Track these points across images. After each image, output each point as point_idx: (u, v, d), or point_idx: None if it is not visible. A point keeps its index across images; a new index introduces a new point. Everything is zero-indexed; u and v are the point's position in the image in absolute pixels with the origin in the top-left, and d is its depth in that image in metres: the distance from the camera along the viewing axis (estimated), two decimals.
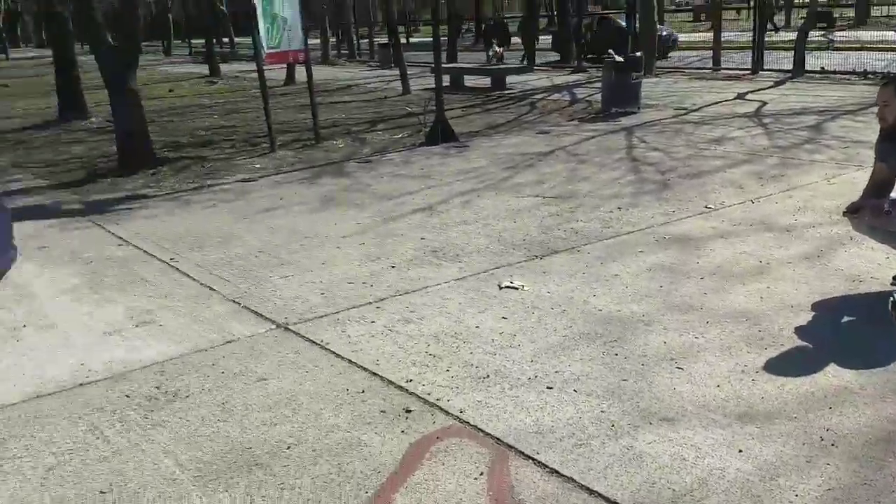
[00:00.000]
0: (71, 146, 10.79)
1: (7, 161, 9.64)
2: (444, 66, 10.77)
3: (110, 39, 8.77)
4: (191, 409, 3.22)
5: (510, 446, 2.78)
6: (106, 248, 5.69)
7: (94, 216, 6.68)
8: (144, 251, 5.56)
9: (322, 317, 4.17)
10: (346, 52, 30.89)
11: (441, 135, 9.59)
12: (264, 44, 9.36)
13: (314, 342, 3.83)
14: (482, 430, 2.90)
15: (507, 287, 4.46)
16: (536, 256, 5.01)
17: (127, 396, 3.36)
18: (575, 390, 3.18)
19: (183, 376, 3.54)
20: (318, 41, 26.86)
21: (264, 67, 9.61)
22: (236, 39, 36.70)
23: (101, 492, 2.65)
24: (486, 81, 16.31)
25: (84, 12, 8.79)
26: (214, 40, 25.70)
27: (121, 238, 5.93)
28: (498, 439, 2.83)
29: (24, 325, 4.22)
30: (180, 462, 2.81)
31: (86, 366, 3.69)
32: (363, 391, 3.29)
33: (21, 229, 5.24)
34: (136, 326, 4.16)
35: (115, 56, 8.63)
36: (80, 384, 3.50)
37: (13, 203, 5.63)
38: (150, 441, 2.97)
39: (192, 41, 36.63)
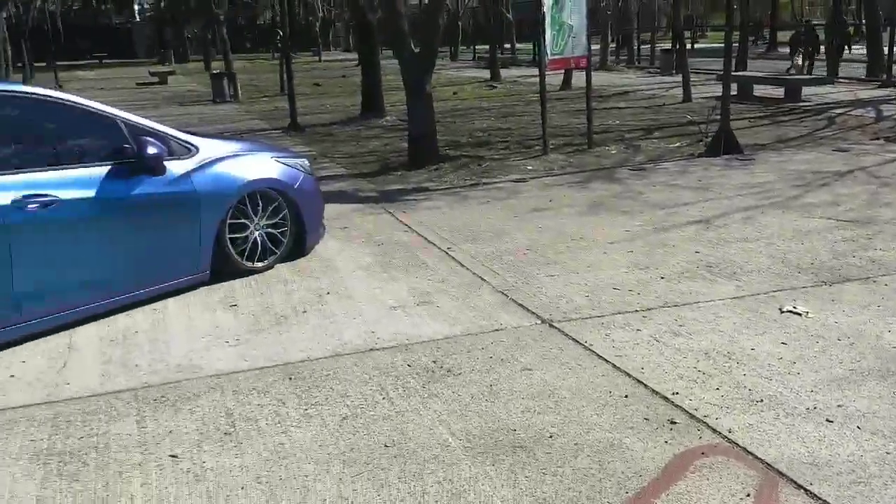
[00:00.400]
0: (369, 141, 11.98)
1: (317, 151, 10.96)
2: (732, 73, 10.25)
3: (412, 46, 9.59)
4: (462, 385, 3.48)
5: (781, 473, 2.65)
6: (394, 233, 6.28)
7: (386, 204, 7.38)
8: (426, 238, 6.04)
9: (586, 318, 4.24)
10: (626, 57, 30.56)
11: (724, 145, 9.17)
12: (548, 50, 9.63)
13: (578, 342, 3.92)
14: (751, 453, 2.79)
15: (790, 312, 4.19)
16: (825, 283, 4.64)
17: (408, 366, 3.72)
18: (858, 427, 2.93)
19: (455, 355, 3.82)
20: (597, 47, 26.92)
21: (545, 73, 9.89)
22: (517, 46, 37.97)
23: (386, 445, 2.98)
24: (778, 92, 15.22)
25: (392, 22, 9.71)
26: (497, 46, 26.85)
27: (406, 225, 6.49)
28: (768, 464, 2.71)
29: (328, 293, 4.82)
30: (452, 431, 3.06)
31: (375, 334, 4.13)
32: (626, 396, 3.31)
33: (327, 211, 6.00)
34: (417, 305, 4.56)
35: (416, 62, 9.43)
36: (370, 349, 3.94)
37: (321, 187, 6.44)
38: (426, 408, 3.27)
39: (477, 47, 38.58)
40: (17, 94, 4.36)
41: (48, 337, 4.10)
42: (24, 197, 3.89)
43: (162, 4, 49.99)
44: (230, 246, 4.96)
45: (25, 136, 4.36)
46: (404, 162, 9.56)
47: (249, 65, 34.60)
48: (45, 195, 3.97)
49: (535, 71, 10.89)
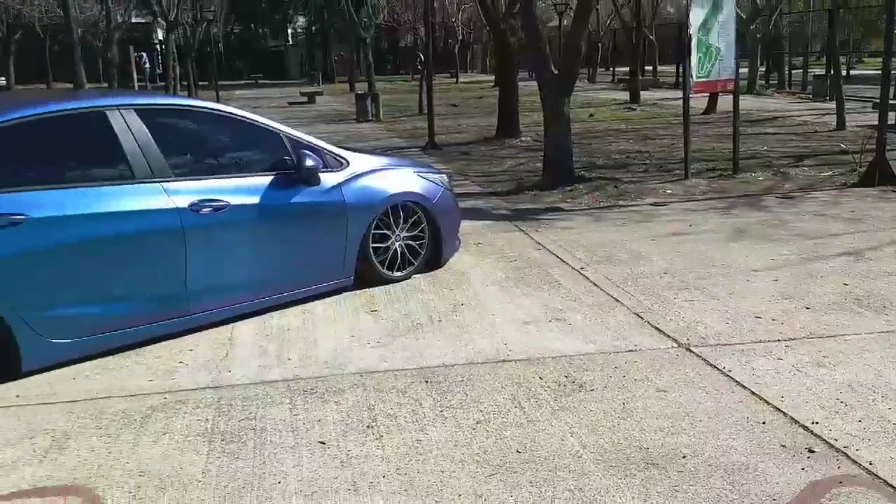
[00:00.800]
0: (504, 160, 12.18)
1: (454, 169, 11.28)
2: (890, 101, 9.67)
3: (553, 69, 9.72)
4: (594, 401, 3.54)
5: None
6: (527, 250, 6.39)
7: (519, 222, 7.52)
8: (558, 257, 6.11)
9: (725, 345, 4.18)
10: (775, 81, 29.30)
11: (878, 177, 8.67)
12: (694, 73, 9.47)
13: (715, 367, 3.88)
14: (892, 486, 2.69)
15: None
16: None
17: (540, 378, 3.82)
18: None
19: (588, 371, 3.88)
20: (745, 70, 25.99)
21: (689, 96, 9.73)
22: (660, 68, 37.24)
23: (517, 451, 3.10)
24: None
25: (533, 44, 9.88)
26: (638, 68, 26.48)
27: (539, 244, 6.59)
28: None
29: (462, 304, 5.00)
30: (584, 443, 3.14)
31: (507, 346, 4.26)
32: (764, 423, 3.26)
33: (462, 226, 6.20)
34: (549, 321, 4.65)
35: (556, 83, 9.55)
36: (503, 360, 4.07)
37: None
38: (558, 419, 3.36)
39: (616, 69, 38.17)
40: (195, 109, 4.88)
41: (213, 329, 4.50)
42: (200, 201, 4.32)
43: (313, 29, 52.88)
44: (373, 255, 5.25)
45: (201, 147, 4.85)
46: (539, 182, 9.67)
47: (390, 86, 35.92)
48: (218, 200, 4.39)
49: (677, 94, 10.72)
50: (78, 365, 3.99)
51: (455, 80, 40.32)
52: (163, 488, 2.89)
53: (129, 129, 4.19)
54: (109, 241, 4.00)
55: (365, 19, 29.97)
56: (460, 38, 46.42)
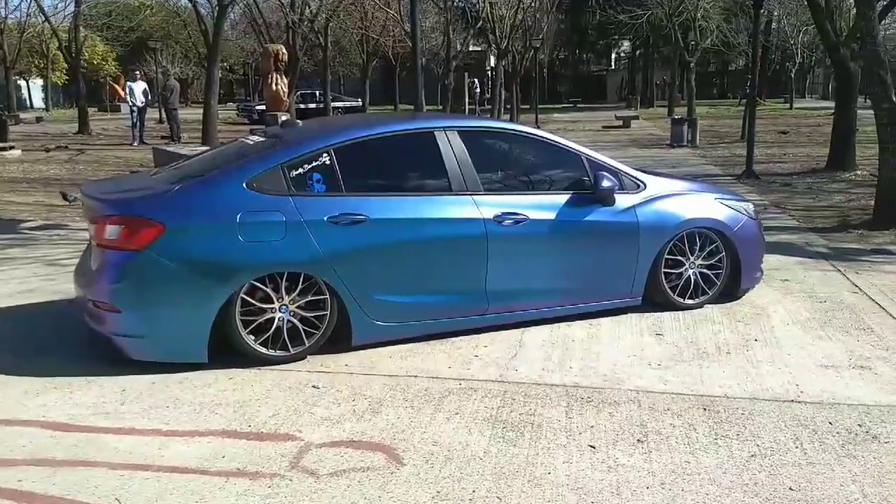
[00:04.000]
0: (831, 195, 11.20)
1: (770, 201, 10.66)
2: None
3: (893, 97, 8.75)
4: (886, 454, 3.28)
5: None
6: (841, 292, 5.91)
7: (836, 261, 6.94)
8: (877, 303, 5.57)
9: None
10: None
11: None
12: None
13: None
14: None
15: None
16: None
17: (830, 423, 3.62)
18: None
19: (886, 424, 3.58)
20: None
21: None
22: None
23: (790, 488, 3.02)
24: None
25: (871, 71, 8.99)
26: None
27: (856, 286, 6.05)
28: None
29: (755, 340, 4.85)
30: (865, 492, 2.95)
31: (799, 387, 4.07)
32: None
33: (769, 261, 5.94)
34: (852, 367, 4.33)
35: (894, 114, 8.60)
36: (792, 400, 3.91)
37: (767, 236, 6.36)
38: (841, 465, 3.18)
39: None
40: (505, 131, 5.47)
41: (505, 331, 4.95)
42: (503, 213, 4.80)
43: (637, 53, 52.83)
44: (663, 279, 5.30)
45: (508, 165, 5.38)
46: (868, 220, 8.78)
47: (712, 111, 34.57)
48: (518, 213, 4.83)
49: None
50: (393, 346, 4.67)
51: (789, 105, 37.49)
52: (450, 458, 3.33)
53: (452, 147, 4.82)
54: (428, 242, 4.63)
55: (692, 42, 29.28)
56: (798, 60, 43.02)
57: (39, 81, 43.89)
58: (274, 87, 13.43)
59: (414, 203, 4.66)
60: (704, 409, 3.81)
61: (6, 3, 33.67)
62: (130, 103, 20.96)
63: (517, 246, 4.86)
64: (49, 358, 4.50)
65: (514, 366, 4.43)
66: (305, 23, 22.20)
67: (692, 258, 5.37)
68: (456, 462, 3.30)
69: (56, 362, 4.41)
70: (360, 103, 35.03)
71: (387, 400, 3.96)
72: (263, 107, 16.92)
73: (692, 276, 5.40)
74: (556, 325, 5.08)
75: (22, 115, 32.00)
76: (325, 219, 4.41)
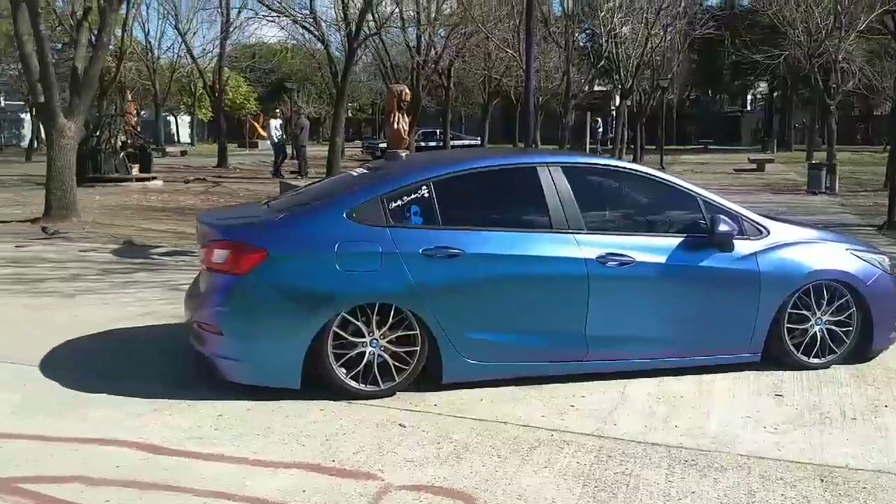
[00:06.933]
0: None
1: None
2: None
3: None
4: None
5: None
6: None
7: None
8: None
9: None
10: None
11: None
12: None
13: None
14: None
15: None
16: None
17: None
18: None
19: None
20: None
21: None
22: None
23: None
24: None
25: None
26: None
27: None
28: None
29: (885, 406, 4.35)
30: None
31: None
32: None
33: None
34: None
35: None
36: None
37: None
38: None
39: None
40: (614, 168, 5.24)
41: (606, 381, 4.67)
42: (607, 254, 4.56)
43: (774, 95, 50.63)
44: (786, 335, 4.87)
45: (616, 203, 5.15)
46: None
47: (855, 157, 32.45)
48: (624, 255, 4.58)
49: None
50: (484, 388, 4.51)
51: None
52: None
53: (554, 183, 4.66)
54: (525, 280, 4.47)
55: (833, 85, 27.73)
56: None
57: (186, 118, 47.21)
58: (396, 125, 13.72)
59: (512, 239, 4.52)
60: (822, 481, 3.42)
61: (159, 45, 36.57)
62: (276, 138, 22.38)
63: (621, 289, 4.61)
64: (156, 380, 4.65)
65: (614, 419, 4.17)
66: (430, 64, 22.74)
67: (819, 313, 4.91)
68: None
69: (161, 385, 4.55)
70: (479, 141, 35.40)
71: (473, 445, 3.80)
72: (386, 144, 17.39)
73: (818, 333, 4.92)
74: (664, 377, 4.75)
75: (169, 149, 34.49)
76: (420, 251, 4.35)
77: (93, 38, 13.47)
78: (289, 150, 24.60)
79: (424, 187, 4.50)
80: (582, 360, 4.63)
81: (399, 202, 4.46)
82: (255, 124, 42.55)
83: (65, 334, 5.54)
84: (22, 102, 33.84)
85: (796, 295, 4.84)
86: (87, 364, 4.97)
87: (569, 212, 4.62)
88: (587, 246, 4.56)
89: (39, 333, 5.58)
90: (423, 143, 30.32)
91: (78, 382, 4.55)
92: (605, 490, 3.35)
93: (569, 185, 4.67)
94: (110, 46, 17.42)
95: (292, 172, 22.40)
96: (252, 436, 3.88)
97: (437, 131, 33.67)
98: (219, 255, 4.43)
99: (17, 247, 9.52)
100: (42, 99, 11.54)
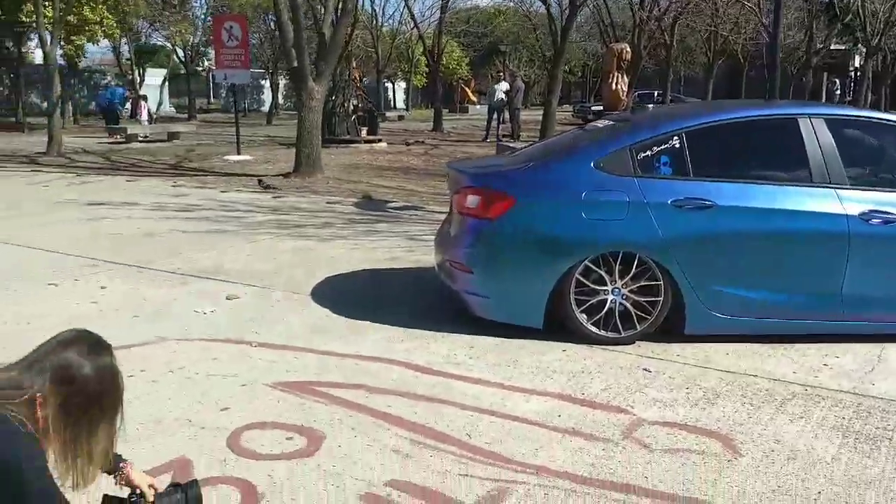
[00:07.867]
0: None
1: None
2: None
3: None
4: None
5: None
6: None
7: None
8: None
9: None
10: None
11: None
12: None
13: None
14: None
15: None
16: None
17: None
18: None
19: None
20: None
21: None
22: None
23: None
24: None
25: None
26: None
27: None
28: None
29: None
30: None
31: None
32: None
33: None
34: None
35: None
36: None
37: None
38: None
39: None
40: (881, 122, 4.87)
41: (862, 343, 4.47)
42: (871, 211, 4.32)
43: None
44: None
45: (884, 159, 4.85)
46: None
47: None
48: (890, 213, 4.32)
49: None
50: (728, 343, 4.49)
51: None
52: (793, 458, 3.15)
53: (816, 136, 4.46)
54: (779, 235, 4.36)
55: None
56: None
57: (402, 84, 49.36)
58: (614, 85, 13.56)
59: (767, 192, 4.41)
60: None
61: (383, 13, 38.38)
62: (498, 100, 22.75)
63: (885, 249, 4.36)
64: (406, 313, 5.12)
65: (871, 380, 4.00)
66: (653, 21, 21.98)
67: None
68: (800, 462, 3.11)
69: (411, 317, 5.01)
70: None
71: (724, 393, 3.84)
72: (600, 107, 17.16)
73: None
74: None
75: (387, 114, 36.36)
76: (669, 202, 4.38)
77: (340, 4, 14.51)
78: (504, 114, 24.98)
79: (675, 137, 4.51)
80: (837, 319, 4.46)
81: (648, 152, 4.51)
82: (466, 89, 43.55)
83: (326, 271, 6.23)
84: (262, 70, 37.12)
85: None
86: (349, 296, 5.57)
87: (831, 166, 4.42)
88: (850, 202, 4.35)
89: (306, 269, 6.32)
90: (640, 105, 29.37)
91: (346, 311, 5.13)
92: (867, 443, 3.27)
93: (832, 139, 4.46)
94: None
95: (504, 136, 22.79)
96: (504, 366, 4.19)
97: (655, 93, 32.50)
98: (471, 200, 4.75)
99: (274, 197, 10.69)
100: (296, 63, 12.68)
